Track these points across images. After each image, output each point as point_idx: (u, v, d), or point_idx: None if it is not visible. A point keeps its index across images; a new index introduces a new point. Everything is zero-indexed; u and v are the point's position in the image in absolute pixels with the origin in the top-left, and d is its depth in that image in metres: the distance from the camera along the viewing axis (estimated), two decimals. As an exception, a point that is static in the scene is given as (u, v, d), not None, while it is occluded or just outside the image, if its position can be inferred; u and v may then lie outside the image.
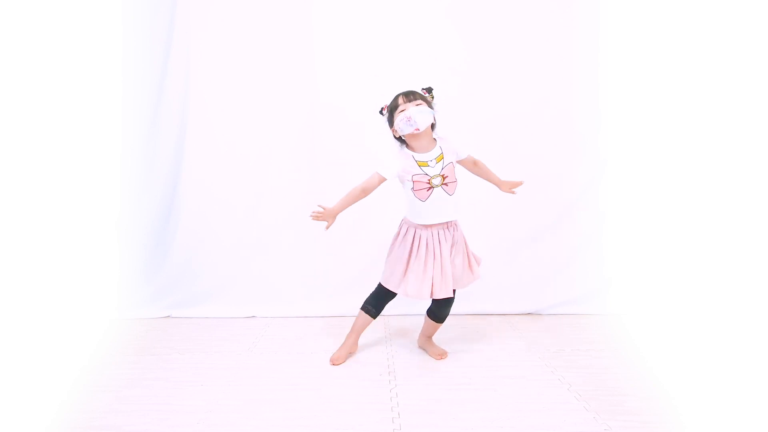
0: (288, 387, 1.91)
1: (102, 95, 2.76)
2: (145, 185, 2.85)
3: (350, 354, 2.20)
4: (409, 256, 2.02)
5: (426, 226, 2.01)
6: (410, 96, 1.97)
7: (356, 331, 2.21)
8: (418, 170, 1.96)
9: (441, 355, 2.18)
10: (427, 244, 2.00)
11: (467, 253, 2.11)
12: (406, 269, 2.02)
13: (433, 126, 2.01)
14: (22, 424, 1.68)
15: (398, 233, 2.10)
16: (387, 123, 2.05)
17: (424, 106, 1.96)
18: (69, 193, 2.71)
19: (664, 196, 2.75)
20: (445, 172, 1.98)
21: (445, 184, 1.97)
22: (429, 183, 1.96)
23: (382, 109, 2.07)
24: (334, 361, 2.12)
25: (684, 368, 2.04)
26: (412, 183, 1.97)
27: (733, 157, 2.69)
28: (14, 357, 2.22)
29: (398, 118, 1.94)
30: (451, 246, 2.03)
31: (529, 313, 2.74)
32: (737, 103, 2.67)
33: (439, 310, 2.15)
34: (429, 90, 2.05)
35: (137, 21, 2.77)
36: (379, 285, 2.15)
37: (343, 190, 2.76)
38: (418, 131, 1.93)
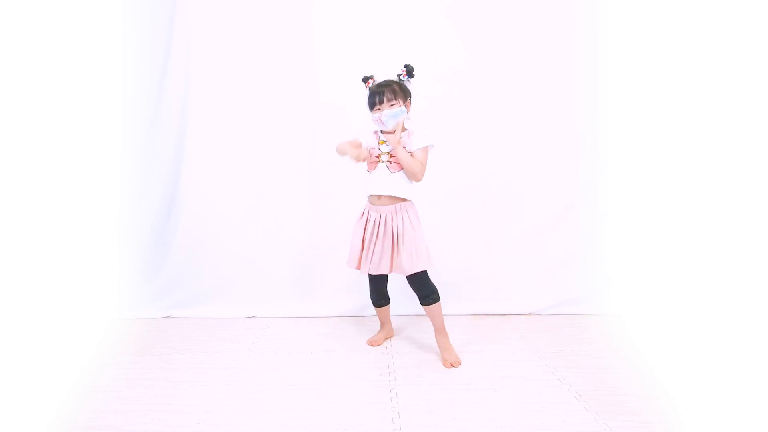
0: (288, 387, 1.91)
1: (102, 95, 2.77)
2: (145, 185, 2.85)
3: (387, 338, 2.40)
4: (364, 233, 2.15)
5: (375, 208, 2.12)
6: (388, 93, 2.07)
7: (383, 321, 2.39)
8: (375, 144, 2.15)
9: (453, 364, 2.09)
10: (375, 222, 2.12)
11: (413, 242, 2.10)
12: (362, 246, 2.15)
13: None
14: (22, 424, 1.67)
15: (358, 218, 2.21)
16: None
17: (398, 106, 2.07)
18: (69, 193, 2.71)
19: (664, 196, 2.75)
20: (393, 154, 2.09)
21: (390, 162, 2.10)
22: (378, 157, 2.11)
23: (367, 80, 2.16)
24: (373, 343, 2.32)
25: (684, 368, 2.04)
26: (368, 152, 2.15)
27: (733, 157, 2.69)
28: (14, 357, 2.22)
29: (373, 117, 2.11)
30: (398, 231, 2.09)
31: (529, 313, 2.74)
32: (737, 103, 2.67)
33: (415, 288, 2.16)
34: (410, 71, 2.12)
35: (137, 21, 2.77)
36: (368, 277, 2.25)
37: (343, 190, 2.78)
38: (385, 129, 2.10)
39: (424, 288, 2.13)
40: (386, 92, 2.06)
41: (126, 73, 2.79)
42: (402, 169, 2.09)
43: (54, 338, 2.45)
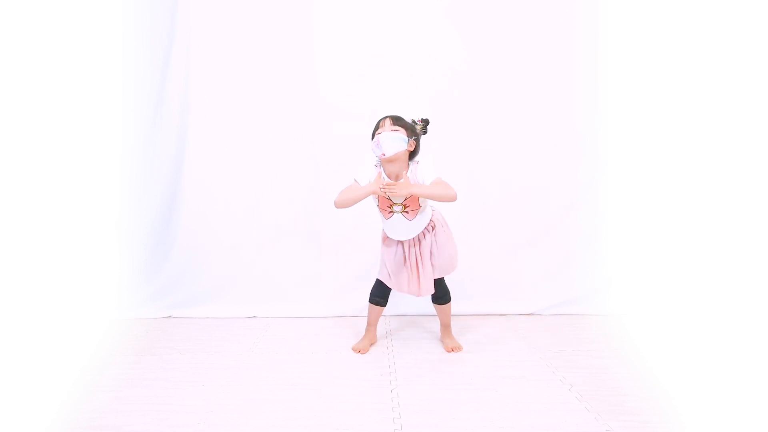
0: (289, 387, 1.91)
1: (102, 95, 2.76)
2: (145, 185, 2.85)
3: (372, 344, 2.31)
4: (391, 256, 2.16)
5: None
6: (393, 120, 2.00)
7: (372, 324, 2.32)
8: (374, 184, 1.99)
9: (453, 348, 2.24)
10: (403, 250, 2.13)
11: (446, 250, 2.14)
12: (388, 266, 2.17)
13: (413, 153, 2.05)
14: (22, 424, 1.67)
15: (383, 238, 2.21)
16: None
17: (400, 133, 1.97)
18: (70, 193, 2.71)
19: (664, 197, 2.76)
20: (407, 201, 2.01)
21: (406, 212, 2.03)
22: (390, 208, 2.04)
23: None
24: (360, 351, 2.24)
25: (684, 368, 2.04)
26: (377, 200, 2.07)
27: (732, 158, 2.69)
28: (14, 357, 2.22)
29: (372, 142, 2.01)
30: (429, 252, 2.10)
31: (529, 314, 2.74)
32: (737, 103, 2.67)
33: (436, 289, 2.19)
34: (425, 123, 2.07)
35: (137, 21, 2.77)
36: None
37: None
38: (383, 156, 1.96)
39: (441, 289, 2.21)
40: (391, 118, 2.01)
41: (126, 73, 2.79)
42: (419, 208, 2.04)
43: (54, 338, 2.44)
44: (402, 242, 2.14)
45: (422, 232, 2.11)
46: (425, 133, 2.08)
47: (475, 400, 1.79)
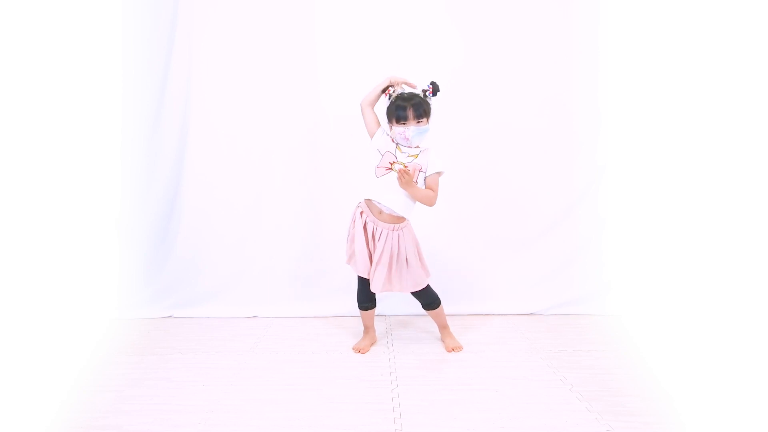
0: (289, 387, 1.91)
1: (104, 94, 2.76)
2: (146, 185, 2.85)
3: (372, 344, 2.32)
4: (366, 243, 2.11)
5: (374, 220, 2.09)
6: (417, 110, 2.01)
7: (369, 326, 2.33)
8: (393, 149, 2.08)
9: (454, 348, 2.25)
10: (374, 234, 2.10)
11: (416, 263, 2.15)
12: (370, 259, 2.12)
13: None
14: (22, 424, 1.67)
15: (353, 218, 2.17)
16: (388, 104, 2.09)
17: (424, 124, 2.03)
18: (70, 192, 2.71)
19: (663, 200, 2.76)
20: (410, 167, 2.04)
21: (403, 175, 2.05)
22: (391, 165, 2.07)
23: (385, 90, 2.10)
24: (360, 351, 2.24)
25: (685, 369, 2.04)
26: (381, 156, 2.09)
27: (731, 161, 2.68)
28: (14, 357, 2.22)
29: (397, 129, 2.04)
30: (393, 250, 2.09)
31: (530, 314, 2.74)
32: (736, 107, 2.66)
33: (418, 298, 2.25)
34: (435, 90, 2.07)
35: (138, 20, 2.76)
36: (358, 278, 2.22)
37: (344, 190, 2.78)
38: (408, 146, 2.08)
39: (426, 297, 2.24)
40: (416, 109, 2.01)
41: (127, 73, 2.78)
42: (414, 183, 2.05)
43: (54, 338, 2.45)
44: (374, 233, 2.09)
45: (394, 228, 2.09)
46: (435, 96, 2.09)
47: (475, 400, 1.79)
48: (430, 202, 2.09)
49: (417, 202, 2.11)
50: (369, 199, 2.11)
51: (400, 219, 2.11)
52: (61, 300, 2.65)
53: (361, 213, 2.13)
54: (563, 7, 2.76)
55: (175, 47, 2.79)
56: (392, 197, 2.07)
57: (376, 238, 2.09)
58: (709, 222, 2.70)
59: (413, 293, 2.22)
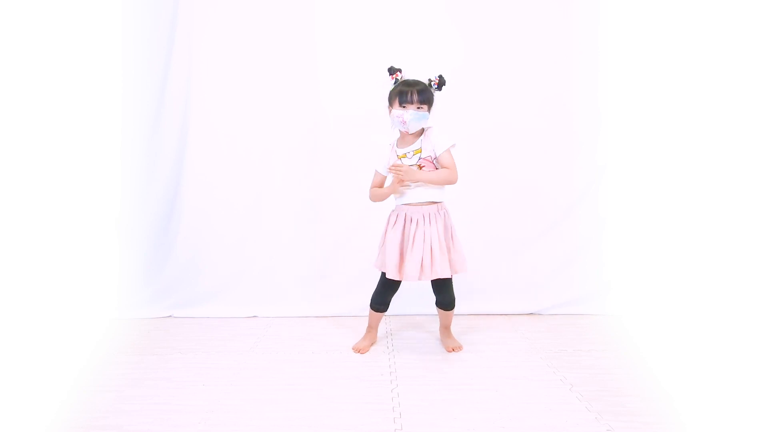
0: (289, 387, 1.91)
1: (103, 94, 2.76)
2: (146, 185, 2.85)
3: (372, 344, 2.31)
4: (402, 238, 2.08)
5: (413, 207, 2.07)
6: (420, 95, 2.01)
7: (373, 327, 2.33)
8: (396, 161, 2.09)
9: (454, 348, 2.25)
10: (417, 223, 2.06)
11: (452, 243, 2.12)
12: (401, 252, 2.09)
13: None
14: (22, 424, 1.67)
15: (388, 221, 2.15)
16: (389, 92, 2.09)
17: (424, 110, 2.02)
18: (71, 192, 2.71)
19: (663, 200, 2.76)
20: (422, 163, 2.05)
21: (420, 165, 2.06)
22: (389, 170, 2.09)
23: (394, 72, 2.09)
24: (360, 350, 2.24)
25: (685, 369, 2.04)
26: (389, 174, 2.12)
27: (731, 161, 2.68)
28: (14, 357, 2.22)
29: (395, 113, 2.04)
30: (443, 229, 2.08)
31: (530, 314, 2.74)
32: (737, 107, 2.66)
33: (440, 295, 2.21)
34: (441, 83, 2.08)
35: (138, 20, 2.76)
36: (381, 280, 2.21)
37: (344, 189, 2.78)
38: (406, 132, 2.06)
39: (449, 294, 2.21)
40: (419, 95, 2.01)
41: (127, 73, 2.78)
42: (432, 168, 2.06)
43: (54, 338, 2.45)
44: (413, 221, 2.07)
45: (436, 211, 2.07)
46: (440, 90, 2.09)
47: (475, 400, 1.79)
48: (450, 180, 2.05)
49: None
50: (402, 205, 2.12)
51: (437, 202, 2.11)
52: (62, 300, 2.65)
53: (395, 220, 2.11)
54: (563, 7, 2.76)
55: (175, 47, 2.79)
56: (422, 193, 2.07)
57: (422, 223, 2.05)
58: (709, 222, 2.71)
59: (437, 290, 2.19)
